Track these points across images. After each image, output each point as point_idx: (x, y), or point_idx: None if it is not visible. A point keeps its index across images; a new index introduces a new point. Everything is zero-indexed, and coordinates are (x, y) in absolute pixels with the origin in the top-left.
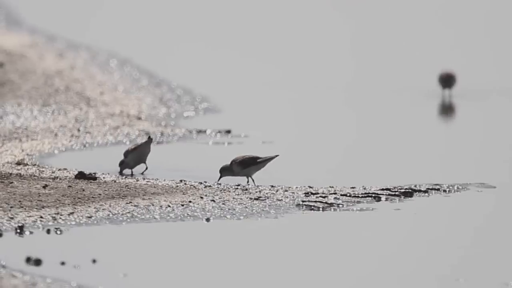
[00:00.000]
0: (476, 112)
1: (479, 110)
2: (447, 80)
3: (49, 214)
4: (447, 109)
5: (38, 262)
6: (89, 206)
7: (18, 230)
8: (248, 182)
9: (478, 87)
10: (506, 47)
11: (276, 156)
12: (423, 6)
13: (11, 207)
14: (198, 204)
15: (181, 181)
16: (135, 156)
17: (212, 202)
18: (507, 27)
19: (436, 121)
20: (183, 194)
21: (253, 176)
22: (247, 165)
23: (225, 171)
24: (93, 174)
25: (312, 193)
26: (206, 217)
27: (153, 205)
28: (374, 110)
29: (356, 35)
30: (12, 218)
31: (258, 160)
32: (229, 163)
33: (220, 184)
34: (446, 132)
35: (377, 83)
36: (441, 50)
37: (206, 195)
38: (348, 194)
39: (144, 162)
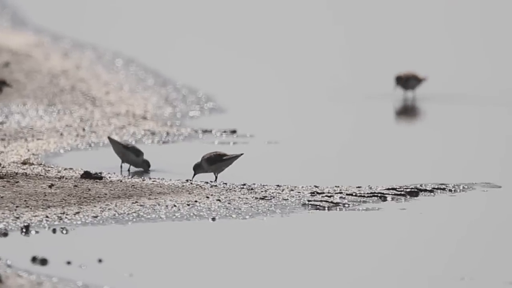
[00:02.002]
0: (467, 114)
1: (468, 113)
2: (404, 82)
3: (55, 214)
4: (407, 111)
5: (44, 262)
6: (95, 206)
7: (24, 230)
8: (216, 179)
9: (469, 90)
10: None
11: (241, 154)
12: (422, 9)
13: (17, 206)
14: (204, 203)
15: (187, 180)
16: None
17: (218, 201)
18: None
19: (436, 122)
20: (189, 193)
21: (223, 173)
22: (213, 162)
23: (198, 168)
24: (99, 174)
25: (317, 193)
26: (212, 217)
27: (159, 204)
28: (377, 110)
29: (358, 35)
30: (18, 217)
31: (223, 158)
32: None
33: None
34: (447, 132)
35: (376, 82)
36: (435, 52)
37: (212, 195)
38: (353, 194)
39: (126, 162)
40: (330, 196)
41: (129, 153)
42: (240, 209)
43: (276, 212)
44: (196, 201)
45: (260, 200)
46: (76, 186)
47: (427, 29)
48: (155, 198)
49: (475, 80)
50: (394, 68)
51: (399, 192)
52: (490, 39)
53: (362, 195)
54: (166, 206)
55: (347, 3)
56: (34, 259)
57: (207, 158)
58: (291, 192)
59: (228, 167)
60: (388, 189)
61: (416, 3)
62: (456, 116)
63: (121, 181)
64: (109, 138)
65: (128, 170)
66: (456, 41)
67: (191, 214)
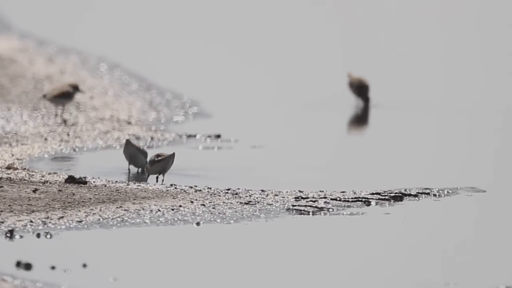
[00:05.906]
0: (453, 121)
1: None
2: (361, 89)
3: (39, 218)
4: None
5: (28, 266)
6: (79, 210)
7: (8, 234)
8: (157, 180)
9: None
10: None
11: (173, 153)
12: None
13: (1, 211)
14: (188, 208)
15: (171, 185)
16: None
17: (202, 206)
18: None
19: (420, 127)
20: (173, 198)
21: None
22: (152, 163)
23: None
24: (83, 178)
25: (302, 198)
26: (196, 222)
27: (143, 209)
28: (362, 116)
29: (347, 41)
30: (2, 222)
31: (158, 159)
32: None
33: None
34: (431, 137)
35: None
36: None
37: (196, 199)
38: (338, 199)
39: (133, 164)
40: (314, 201)
41: (142, 157)
42: (225, 214)
43: (260, 217)
44: (180, 206)
45: (245, 205)
46: (60, 190)
47: (426, 34)
48: (139, 203)
49: (466, 88)
50: (387, 77)
51: (383, 197)
52: (487, 46)
53: (347, 200)
54: (151, 210)
55: (339, 6)
56: (18, 264)
57: (150, 160)
58: (276, 197)
59: (170, 168)
60: (373, 193)
61: (415, 10)
62: (441, 122)
63: (105, 185)
64: (127, 141)
65: (128, 170)
66: (453, 47)
67: (176, 218)
